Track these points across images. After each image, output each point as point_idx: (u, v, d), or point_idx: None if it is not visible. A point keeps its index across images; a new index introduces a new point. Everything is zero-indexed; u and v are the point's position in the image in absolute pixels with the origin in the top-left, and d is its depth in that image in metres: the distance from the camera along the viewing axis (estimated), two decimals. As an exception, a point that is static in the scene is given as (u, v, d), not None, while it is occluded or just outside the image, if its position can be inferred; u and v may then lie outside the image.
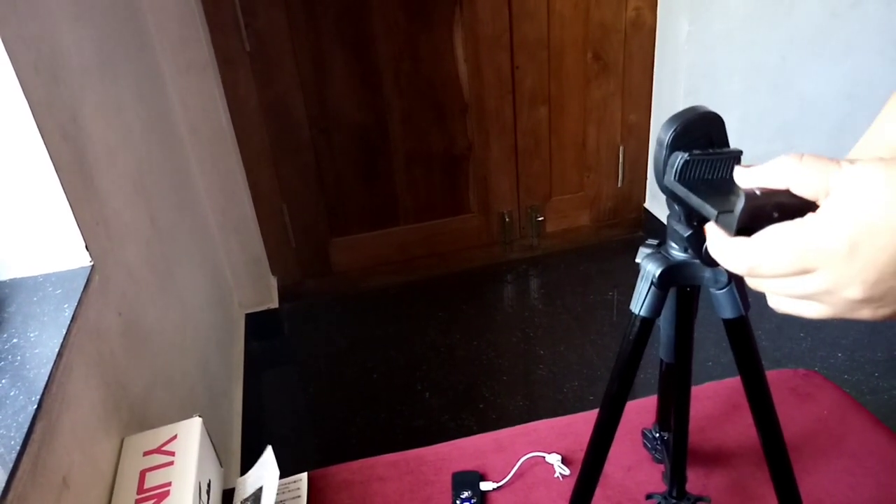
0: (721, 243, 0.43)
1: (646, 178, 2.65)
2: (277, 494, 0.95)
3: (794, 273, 0.39)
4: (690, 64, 2.27)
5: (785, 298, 0.42)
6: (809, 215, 0.39)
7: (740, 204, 0.45)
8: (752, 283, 0.43)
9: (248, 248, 2.26)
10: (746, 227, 0.45)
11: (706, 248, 0.56)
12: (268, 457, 0.94)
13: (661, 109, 2.47)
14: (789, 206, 0.45)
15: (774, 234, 0.40)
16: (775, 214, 0.45)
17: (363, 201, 2.43)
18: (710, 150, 0.52)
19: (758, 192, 0.45)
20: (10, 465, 0.62)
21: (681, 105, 2.36)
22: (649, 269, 0.64)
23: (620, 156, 2.57)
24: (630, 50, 2.38)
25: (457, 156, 2.43)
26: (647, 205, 2.68)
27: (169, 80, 1.91)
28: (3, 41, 0.81)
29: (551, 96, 2.40)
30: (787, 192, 0.45)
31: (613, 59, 2.38)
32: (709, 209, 0.48)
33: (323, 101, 2.22)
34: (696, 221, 0.57)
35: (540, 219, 2.62)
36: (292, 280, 2.48)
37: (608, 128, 2.51)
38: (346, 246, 2.49)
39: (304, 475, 0.98)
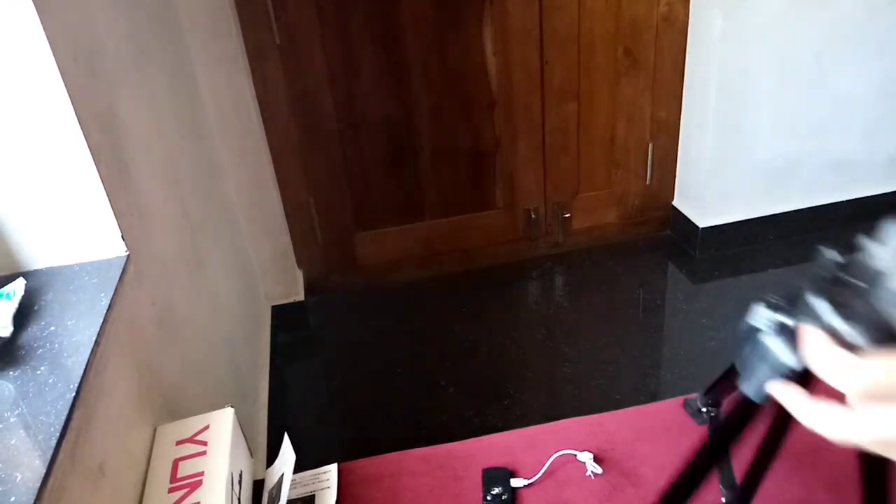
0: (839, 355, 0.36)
1: (674, 176, 2.62)
2: (308, 484, 0.95)
3: None
4: (723, 60, 2.24)
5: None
6: None
7: None
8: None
9: (275, 241, 2.27)
10: None
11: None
12: (285, 443, 0.94)
13: (691, 106, 2.44)
14: None
15: None
16: None
17: (389, 196, 2.43)
18: None
19: None
20: (51, 452, 0.63)
21: (712, 102, 2.33)
22: (782, 355, 0.45)
23: (649, 153, 2.54)
24: (661, 46, 2.35)
25: (484, 151, 2.42)
26: (675, 203, 2.65)
27: (200, 73, 1.92)
28: (45, 31, 0.82)
29: (580, 92, 2.38)
30: None
31: (644, 54, 2.36)
32: None
33: (351, 95, 2.22)
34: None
35: (566, 215, 2.60)
36: (318, 273, 2.49)
37: (637, 124, 2.48)
38: (372, 240, 2.49)
39: (335, 466, 0.98)
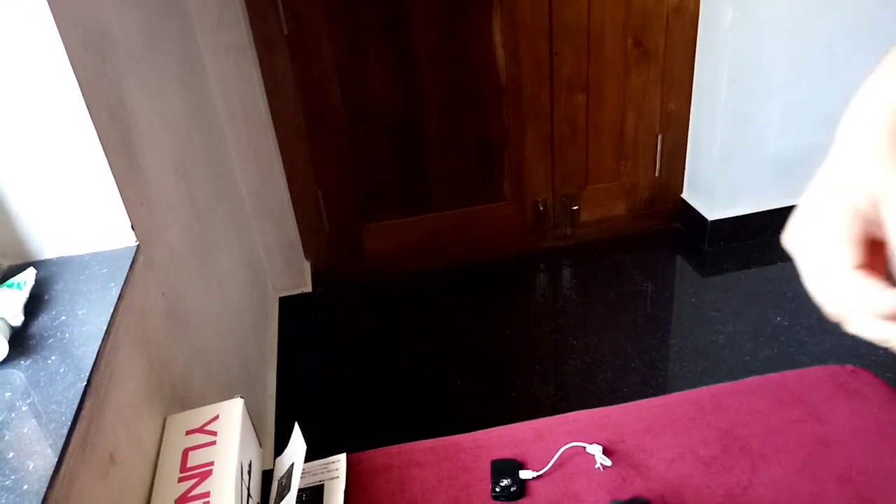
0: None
1: (684, 168, 2.60)
2: (317, 474, 0.95)
3: None
4: (734, 52, 2.22)
5: None
6: None
7: None
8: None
9: (282, 233, 2.27)
10: None
11: None
12: (296, 433, 0.94)
13: (701, 98, 2.42)
14: None
15: None
16: None
17: (397, 187, 2.42)
18: None
19: None
20: (62, 441, 0.63)
21: (723, 94, 2.31)
22: None
23: (659, 145, 2.53)
24: (672, 37, 2.33)
25: (492, 142, 2.41)
26: (684, 195, 2.64)
27: (208, 63, 1.92)
28: (54, 19, 0.81)
29: (590, 83, 2.36)
30: None
31: (654, 45, 2.34)
32: None
33: (359, 86, 2.21)
34: None
35: (574, 207, 2.59)
36: (325, 265, 2.49)
37: (647, 116, 2.47)
38: (379, 232, 2.49)
39: (343, 456, 0.98)
